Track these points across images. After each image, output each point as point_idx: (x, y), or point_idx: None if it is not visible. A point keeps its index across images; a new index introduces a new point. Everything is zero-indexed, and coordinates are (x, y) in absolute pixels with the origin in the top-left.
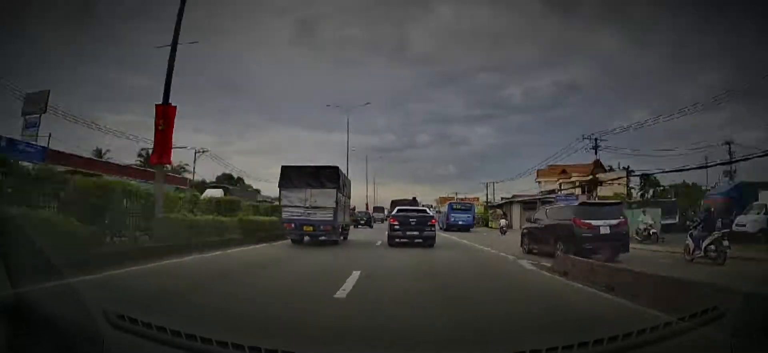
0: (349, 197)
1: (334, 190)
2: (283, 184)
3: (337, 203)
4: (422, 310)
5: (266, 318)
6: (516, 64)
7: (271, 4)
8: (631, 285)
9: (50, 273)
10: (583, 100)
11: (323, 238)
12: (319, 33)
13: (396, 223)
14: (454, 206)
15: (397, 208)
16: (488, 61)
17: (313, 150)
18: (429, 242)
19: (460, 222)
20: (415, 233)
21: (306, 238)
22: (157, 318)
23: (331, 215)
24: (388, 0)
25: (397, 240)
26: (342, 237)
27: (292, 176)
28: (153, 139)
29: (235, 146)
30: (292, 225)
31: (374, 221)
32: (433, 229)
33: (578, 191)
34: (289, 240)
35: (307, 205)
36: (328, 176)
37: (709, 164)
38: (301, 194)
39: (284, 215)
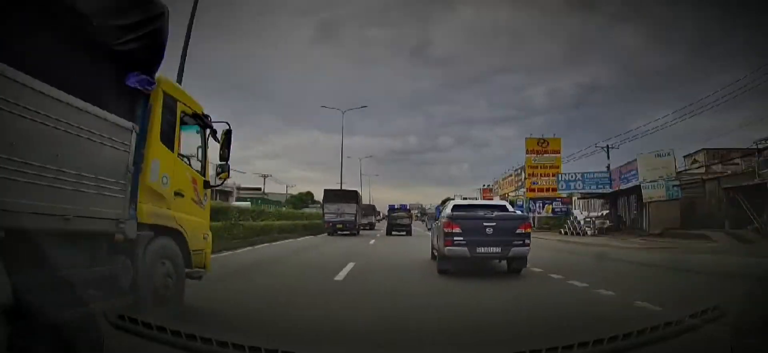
0: (360, 203)
1: (355, 204)
2: (325, 199)
3: (356, 212)
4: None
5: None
6: (538, 65)
7: (292, 8)
8: None
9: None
10: (605, 100)
11: (346, 232)
12: (339, 35)
13: (456, 229)
14: (440, 209)
15: (454, 204)
16: (510, 62)
17: (330, 154)
18: (519, 265)
19: None
20: (496, 249)
21: (337, 231)
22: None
23: (353, 218)
24: (409, 1)
25: (455, 257)
26: (356, 231)
27: (329, 196)
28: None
29: (254, 150)
30: (330, 224)
31: (365, 226)
32: (525, 243)
33: None
34: (326, 233)
35: (339, 212)
36: (351, 196)
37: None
38: (335, 206)
39: (326, 217)
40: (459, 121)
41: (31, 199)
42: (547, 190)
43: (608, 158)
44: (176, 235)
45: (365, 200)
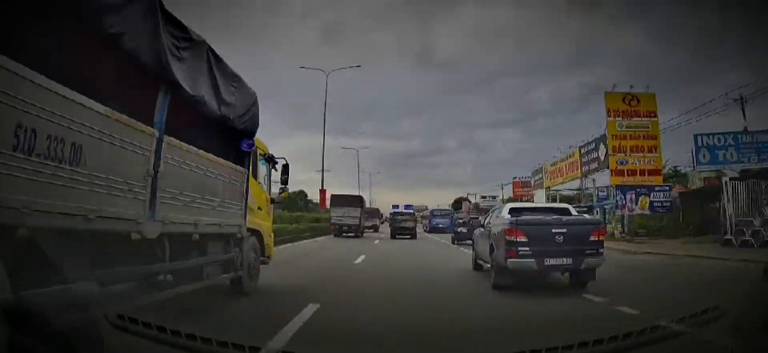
0: (364, 207)
1: (359, 209)
2: (332, 203)
3: (360, 215)
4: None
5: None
6: (542, 67)
7: (295, 11)
8: None
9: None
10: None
11: (351, 234)
12: (344, 39)
13: (520, 237)
14: (435, 213)
15: (510, 207)
16: (514, 64)
17: (335, 157)
18: (588, 277)
19: (440, 225)
20: (567, 261)
21: (343, 234)
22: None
23: (357, 221)
24: (413, 3)
25: (520, 270)
26: (361, 233)
27: (336, 200)
28: None
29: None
30: (337, 226)
31: (368, 228)
32: (599, 252)
33: None
34: (332, 235)
35: (345, 216)
36: (356, 201)
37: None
38: (341, 210)
39: (333, 220)
40: (463, 124)
41: (205, 217)
42: (642, 174)
43: (744, 118)
44: (257, 234)
45: (369, 202)
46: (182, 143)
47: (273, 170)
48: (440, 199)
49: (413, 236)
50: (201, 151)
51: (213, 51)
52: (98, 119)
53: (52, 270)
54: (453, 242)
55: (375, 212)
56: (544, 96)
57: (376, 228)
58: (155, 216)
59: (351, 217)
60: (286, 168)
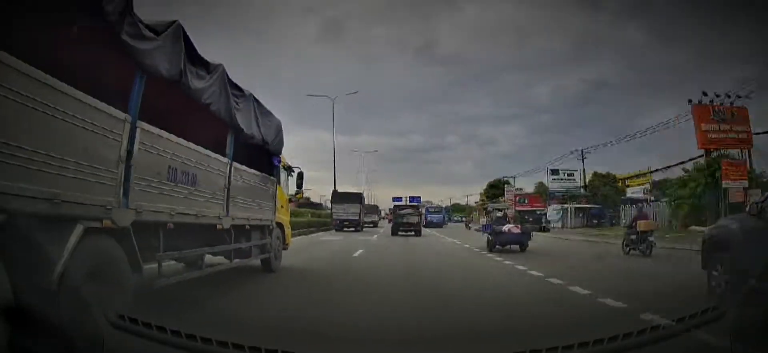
0: (363, 204)
1: (359, 204)
2: (334, 200)
3: (359, 211)
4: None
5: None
6: (543, 62)
7: (296, 6)
8: None
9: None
10: (611, 97)
11: (352, 229)
12: (344, 34)
13: None
14: (430, 210)
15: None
16: (516, 59)
17: (336, 152)
18: None
19: (433, 220)
20: None
21: (344, 228)
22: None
23: (357, 217)
24: None
25: None
26: (360, 228)
27: (337, 197)
28: None
29: None
30: (337, 221)
31: (368, 223)
32: None
33: None
34: (333, 230)
35: (345, 211)
36: (355, 197)
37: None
38: (342, 206)
39: (334, 216)
40: (464, 119)
41: (249, 213)
42: None
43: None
44: (280, 226)
45: (369, 200)
46: (243, 166)
47: (289, 176)
48: (440, 196)
49: (418, 233)
50: (250, 169)
51: (255, 98)
52: (205, 158)
53: (186, 243)
54: (490, 250)
55: (374, 209)
56: (545, 91)
57: (375, 224)
58: (229, 214)
59: (351, 213)
60: (301, 175)
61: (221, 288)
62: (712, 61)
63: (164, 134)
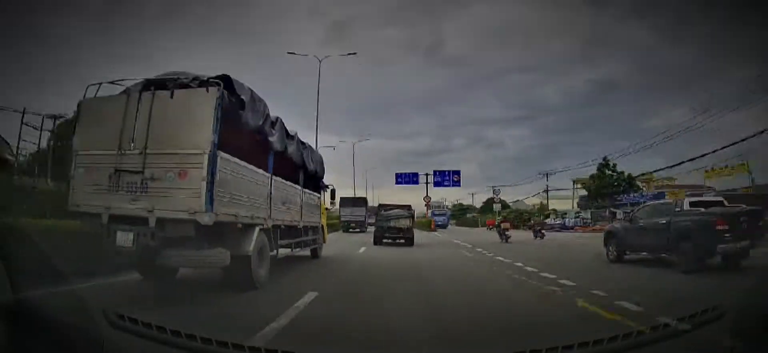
0: (368, 207)
1: (364, 207)
2: (341, 204)
3: (364, 213)
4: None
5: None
6: (551, 63)
7: (303, 9)
8: None
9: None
10: (619, 98)
11: (358, 230)
12: (352, 37)
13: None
14: (435, 212)
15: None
16: (523, 61)
17: (345, 157)
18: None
19: (438, 222)
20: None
21: (350, 229)
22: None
23: (363, 218)
24: (422, 0)
25: None
26: (365, 229)
27: (344, 201)
28: None
29: None
30: (344, 223)
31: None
32: None
33: None
34: (341, 230)
35: (352, 214)
36: (361, 201)
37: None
38: (349, 210)
39: (342, 218)
40: (472, 121)
41: (310, 218)
42: None
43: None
44: (321, 227)
45: (373, 202)
46: (307, 190)
47: (323, 191)
48: (444, 194)
49: (409, 240)
50: (313, 192)
51: (309, 145)
52: (292, 188)
53: (288, 236)
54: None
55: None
56: (552, 93)
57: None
58: (302, 219)
59: (356, 215)
60: (333, 192)
61: (278, 271)
62: (720, 61)
63: (280, 180)
